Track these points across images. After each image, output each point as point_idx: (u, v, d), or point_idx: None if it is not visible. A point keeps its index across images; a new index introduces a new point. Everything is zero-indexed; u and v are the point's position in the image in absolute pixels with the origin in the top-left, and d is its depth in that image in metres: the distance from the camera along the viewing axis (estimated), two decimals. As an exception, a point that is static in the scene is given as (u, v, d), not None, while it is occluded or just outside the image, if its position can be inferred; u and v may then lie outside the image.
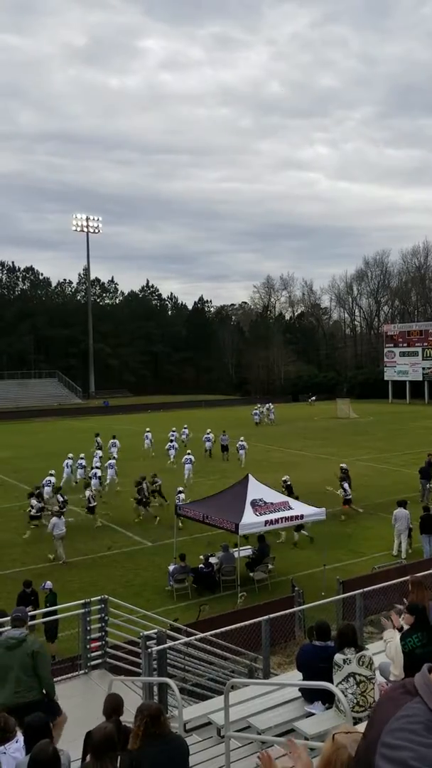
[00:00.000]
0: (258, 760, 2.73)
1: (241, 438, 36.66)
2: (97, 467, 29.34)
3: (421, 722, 1.37)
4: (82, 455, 31.67)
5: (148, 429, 40.12)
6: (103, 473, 29.09)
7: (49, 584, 14.30)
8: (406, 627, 7.06)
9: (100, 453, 33.40)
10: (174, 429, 40.39)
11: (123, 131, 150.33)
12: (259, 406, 58.88)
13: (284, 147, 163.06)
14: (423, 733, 1.35)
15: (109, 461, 30.32)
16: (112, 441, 36.23)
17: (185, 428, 42.96)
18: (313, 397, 74.89)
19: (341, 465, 26.80)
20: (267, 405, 58.63)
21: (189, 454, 31.49)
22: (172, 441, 37.00)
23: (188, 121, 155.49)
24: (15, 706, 6.64)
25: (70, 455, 31.39)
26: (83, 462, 30.92)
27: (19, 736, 5.45)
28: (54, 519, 19.99)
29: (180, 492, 22.84)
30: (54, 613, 11.38)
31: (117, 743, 5.12)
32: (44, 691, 7.01)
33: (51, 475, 27.24)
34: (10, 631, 7.18)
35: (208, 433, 39.11)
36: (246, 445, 36.07)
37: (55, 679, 9.31)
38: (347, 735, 2.11)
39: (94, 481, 27.37)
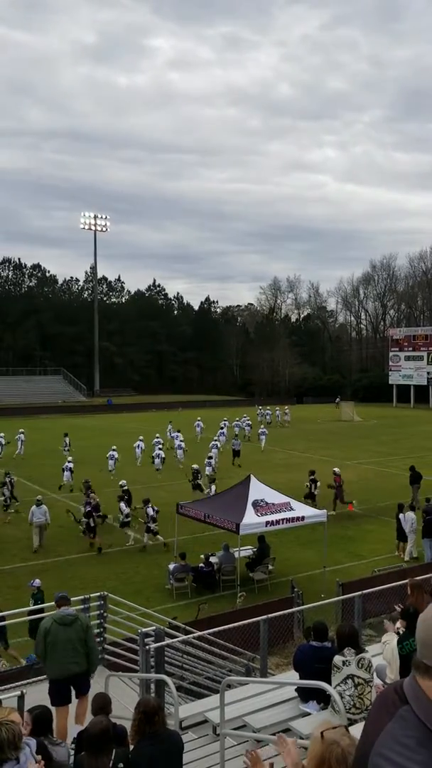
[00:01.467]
0: (246, 760, 2.74)
1: (262, 426, 45.26)
2: (160, 449, 33.60)
3: (413, 736, 1.38)
4: (157, 435, 36.97)
5: (199, 418, 46.71)
6: (168, 455, 33.92)
7: (37, 582, 14.16)
8: (401, 631, 7.06)
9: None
10: (226, 419, 47.06)
11: (131, 130, 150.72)
12: (261, 408, 58.67)
13: (292, 149, 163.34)
14: (415, 748, 1.36)
15: (178, 443, 35.85)
16: (169, 428, 42.40)
17: (245, 417, 49.67)
18: (338, 398, 74.27)
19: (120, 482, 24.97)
20: (284, 408, 58.34)
21: (215, 440, 36.44)
22: (222, 429, 42.83)
23: (196, 120, 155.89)
24: (68, 676, 7.77)
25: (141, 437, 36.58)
26: (161, 442, 35.30)
27: (24, 755, 4.30)
28: (33, 507, 20.91)
29: (210, 458, 30.06)
30: (42, 611, 11.43)
31: (112, 738, 5.15)
32: (91, 661, 8.11)
33: (113, 450, 32.66)
34: (65, 609, 8.10)
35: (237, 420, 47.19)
36: (267, 432, 43.10)
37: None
38: (335, 730, 2.13)
39: (157, 461, 32.39)
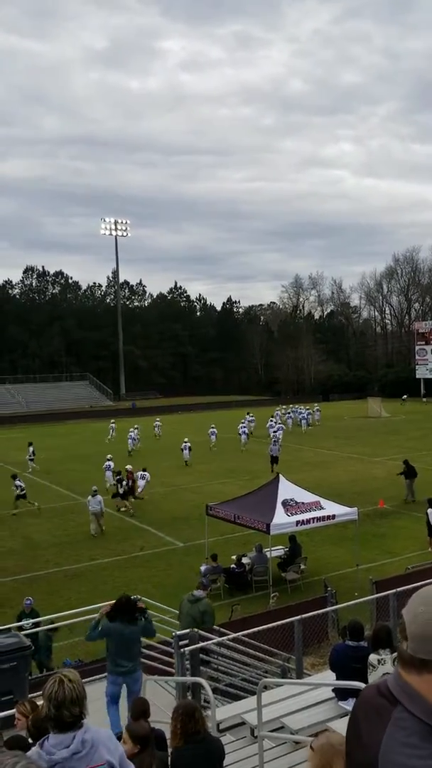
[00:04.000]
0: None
1: (306, 411, 52.71)
2: (244, 429, 42.44)
3: (414, 733, 1.37)
4: (249, 415, 47.85)
5: (279, 408, 55.20)
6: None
7: (30, 601, 13.87)
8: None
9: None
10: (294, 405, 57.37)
11: (145, 133, 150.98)
12: (284, 407, 58.33)
13: (308, 145, 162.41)
14: (419, 744, 1.36)
15: (280, 426, 44.14)
16: (248, 418, 47.46)
17: (293, 409, 56.17)
18: (405, 396, 73.20)
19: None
20: (314, 407, 58.01)
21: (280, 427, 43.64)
22: (289, 413, 53.07)
23: (210, 121, 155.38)
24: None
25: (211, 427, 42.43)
26: (245, 428, 43.11)
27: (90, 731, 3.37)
28: (89, 497, 22.89)
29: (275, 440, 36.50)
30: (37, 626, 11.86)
31: (153, 742, 5.18)
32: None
33: (213, 427, 42.19)
34: (196, 591, 11.01)
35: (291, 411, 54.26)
36: (309, 419, 51.25)
37: (89, 679, 9.44)
38: (318, 739, 2.18)
39: (243, 438, 41.33)
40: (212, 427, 42.53)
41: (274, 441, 36.26)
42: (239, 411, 63.03)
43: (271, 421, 45.54)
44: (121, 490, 26.14)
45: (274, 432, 41.66)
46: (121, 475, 27.18)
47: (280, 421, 47.03)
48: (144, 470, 28.29)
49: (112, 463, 29.65)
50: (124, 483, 26.27)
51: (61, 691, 3.15)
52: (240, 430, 42.37)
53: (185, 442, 36.02)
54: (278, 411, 53.12)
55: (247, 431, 42.94)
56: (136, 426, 43.96)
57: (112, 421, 50.06)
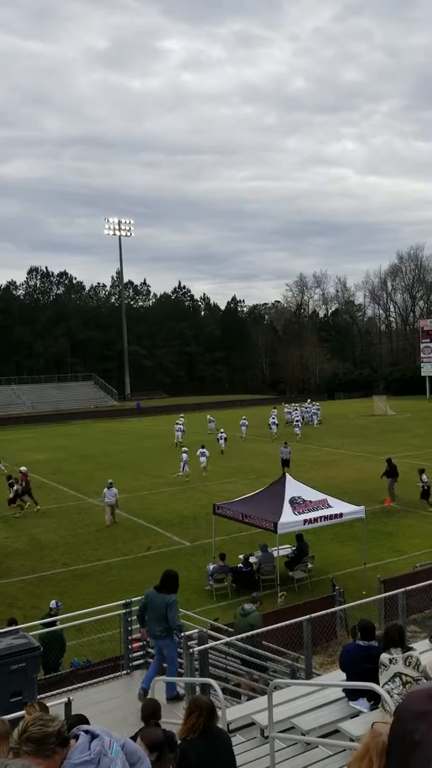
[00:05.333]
0: None
1: (315, 405, 55.80)
2: (274, 421, 46.25)
3: None
4: (275, 409, 50.18)
5: (293, 405, 56.86)
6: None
7: (59, 604, 13.34)
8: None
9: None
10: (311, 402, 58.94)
11: (148, 133, 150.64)
12: (287, 405, 58.24)
13: (311, 143, 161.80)
14: None
15: (298, 420, 47.21)
16: (275, 412, 49.74)
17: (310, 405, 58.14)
18: None
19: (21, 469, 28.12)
20: (315, 405, 57.87)
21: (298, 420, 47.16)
22: (306, 409, 55.48)
23: (212, 120, 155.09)
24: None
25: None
26: (275, 419, 46.54)
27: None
28: (104, 490, 23.81)
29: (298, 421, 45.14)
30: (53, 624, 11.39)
31: (168, 745, 5.18)
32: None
33: (244, 419, 45.37)
34: (246, 605, 11.77)
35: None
36: (319, 414, 53.55)
37: (97, 680, 9.40)
38: (385, 724, 2.14)
39: (274, 429, 45.02)
40: (243, 419, 45.66)
41: (296, 428, 43.11)
42: (241, 410, 62.98)
43: (295, 413, 49.74)
44: (11, 494, 26.30)
45: (296, 421, 46.47)
46: (12, 479, 27.00)
47: (298, 416, 49.11)
48: (203, 447, 32.69)
49: (206, 450, 32.62)
50: (16, 487, 26.34)
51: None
52: (270, 421, 46.35)
53: (221, 432, 39.43)
54: (297, 407, 55.18)
55: (277, 422, 46.59)
56: (180, 421, 46.64)
57: (181, 415, 52.06)
